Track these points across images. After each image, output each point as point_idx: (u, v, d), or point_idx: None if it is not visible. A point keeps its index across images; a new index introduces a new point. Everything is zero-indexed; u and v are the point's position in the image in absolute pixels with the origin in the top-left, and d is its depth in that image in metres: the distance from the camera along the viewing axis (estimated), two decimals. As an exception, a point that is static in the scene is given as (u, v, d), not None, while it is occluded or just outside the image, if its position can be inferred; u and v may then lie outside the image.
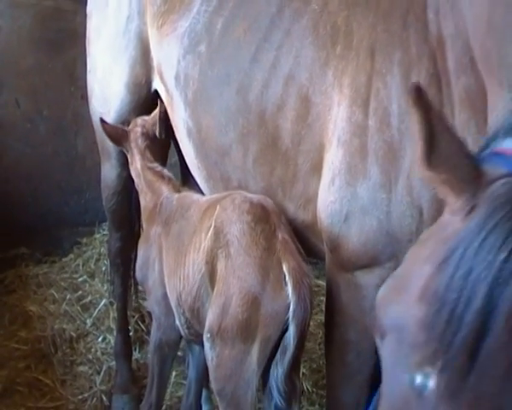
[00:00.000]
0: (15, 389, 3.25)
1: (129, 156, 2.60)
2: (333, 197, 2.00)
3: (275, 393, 1.91)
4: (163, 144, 2.67)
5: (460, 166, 1.05)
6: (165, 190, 2.44)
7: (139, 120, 2.62)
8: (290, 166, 2.15)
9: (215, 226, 2.02)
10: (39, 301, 3.92)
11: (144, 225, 2.54)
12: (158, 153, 2.59)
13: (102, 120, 2.63)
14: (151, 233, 2.39)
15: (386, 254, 1.91)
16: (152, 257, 2.36)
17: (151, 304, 2.41)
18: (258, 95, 2.22)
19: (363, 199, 1.93)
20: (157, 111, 2.65)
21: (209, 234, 2.04)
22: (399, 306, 1.08)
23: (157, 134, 2.58)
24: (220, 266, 1.96)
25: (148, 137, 2.56)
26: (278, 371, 1.90)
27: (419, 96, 1.04)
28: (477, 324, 0.94)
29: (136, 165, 2.54)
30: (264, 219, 1.98)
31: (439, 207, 1.82)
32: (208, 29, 2.44)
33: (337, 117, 2.00)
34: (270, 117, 2.19)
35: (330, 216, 2.01)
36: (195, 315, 2.13)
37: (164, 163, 2.66)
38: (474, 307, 0.94)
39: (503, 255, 0.94)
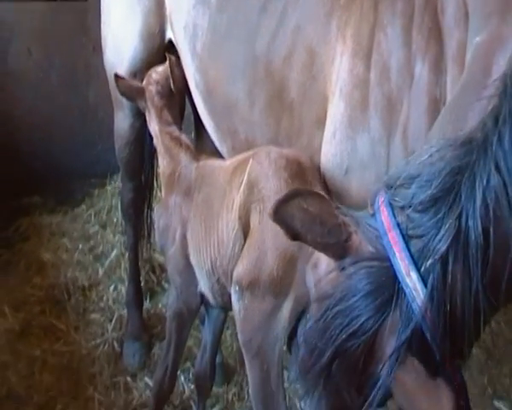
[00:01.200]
0: (31, 332, 3.36)
1: (146, 115, 2.54)
2: (334, 150, 2.02)
3: (301, 345, 1.91)
4: (179, 98, 2.61)
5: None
6: (183, 158, 2.38)
7: (153, 75, 2.54)
8: (295, 117, 2.16)
9: (248, 181, 2.00)
10: (53, 250, 3.99)
11: (163, 191, 2.50)
12: (175, 109, 2.53)
13: (117, 76, 2.57)
14: (170, 202, 2.35)
15: None
16: (173, 227, 2.32)
17: (171, 273, 2.39)
18: (266, 45, 2.22)
19: (362, 153, 1.95)
20: (167, 64, 2.57)
21: (241, 188, 2.02)
22: None
23: (172, 88, 2.51)
24: (254, 221, 1.95)
25: (164, 94, 2.49)
26: (306, 324, 1.87)
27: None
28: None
29: (154, 126, 2.49)
30: (300, 176, 1.96)
31: None
32: None
33: (340, 68, 2.00)
34: (277, 67, 2.19)
35: (332, 169, 2.04)
36: (230, 277, 2.09)
37: (182, 116, 2.60)
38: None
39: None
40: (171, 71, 2.52)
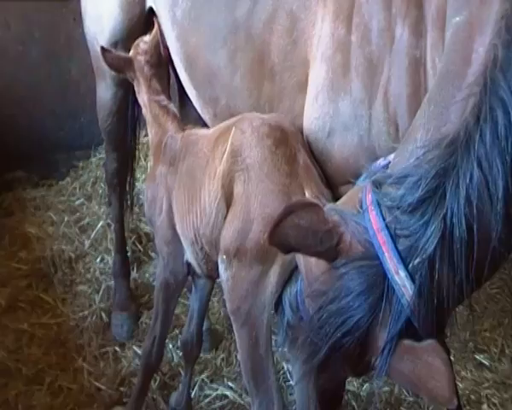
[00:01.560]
0: (18, 306, 3.36)
1: (135, 85, 2.52)
2: (316, 114, 2.03)
3: (287, 310, 1.95)
4: (166, 67, 2.61)
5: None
6: (170, 127, 2.38)
7: (141, 45, 2.51)
8: (277, 82, 2.17)
9: (232, 150, 1.99)
10: (38, 224, 3.98)
11: (151, 161, 2.50)
12: (163, 78, 2.52)
13: (103, 48, 2.53)
14: (157, 173, 2.36)
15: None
16: (159, 197, 2.33)
17: (159, 243, 2.39)
18: (246, 10, 2.22)
19: (344, 115, 1.97)
20: (155, 31, 2.56)
21: (224, 157, 2.02)
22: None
23: (162, 53, 2.49)
24: (237, 190, 1.95)
25: (153, 64, 2.47)
26: (292, 289, 1.93)
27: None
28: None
29: (143, 96, 2.47)
30: (284, 142, 1.95)
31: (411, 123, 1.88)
32: None
33: (321, 32, 2.01)
34: (257, 33, 2.19)
35: (314, 132, 2.05)
36: (214, 245, 2.11)
37: (168, 84, 2.59)
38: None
39: None
40: (161, 36, 2.49)
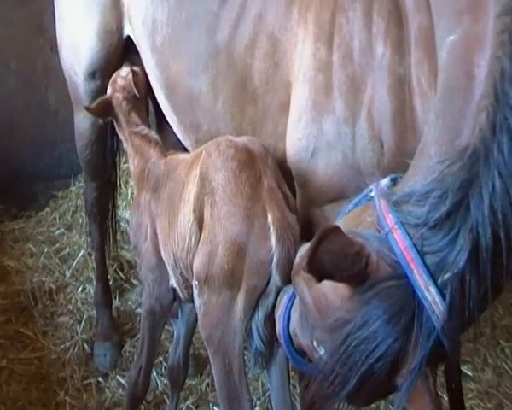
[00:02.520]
0: (-3, 343, 3.29)
1: (114, 122, 2.54)
2: (300, 134, 2.05)
3: (255, 336, 1.96)
4: (145, 99, 2.62)
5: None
6: (152, 154, 2.39)
7: (118, 81, 2.52)
8: (259, 105, 2.19)
9: (200, 172, 2.01)
10: (17, 256, 3.92)
11: (135, 190, 2.51)
12: (142, 110, 2.54)
13: (86, 108, 2.56)
14: (141, 200, 2.37)
15: (352, 187, 1.99)
16: (144, 224, 2.34)
17: (144, 271, 2.39)
18: (227, 35, 2.24)
19: (328, 134, 1.99)
20: (129, 72, 2.55)
21: (195, 181, 2.03)
22: (308, 292, 1.64)
23: (137, 95, 2.50)
24: (206, 214, 1.96)
25: (130, 98, 2.49)
26: (259, 315, 1.94)
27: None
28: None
29: (123, 131, 2.49)
30: (249, 164, 1.95)
31: (397, 141, 1.91)
32: None
33: (302, 54, 2.04)
34: (239, 56, 2.21)
35: (298, 153, 2.07)
36: (190, 270, 2.12)
37: (147, 112, 2.61)
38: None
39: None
40: (135, 83, 2.49)
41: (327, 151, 2.01)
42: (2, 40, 4.15)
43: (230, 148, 1.99)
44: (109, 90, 2.53)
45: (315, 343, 1.66)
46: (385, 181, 1.68)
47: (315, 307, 1.63)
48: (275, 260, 1.88)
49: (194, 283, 2.00)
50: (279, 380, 2.13)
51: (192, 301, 2.30)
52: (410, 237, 1.44)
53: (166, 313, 2.41)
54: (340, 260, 1.42)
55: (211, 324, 1.97)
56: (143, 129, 2.47)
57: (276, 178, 1.99)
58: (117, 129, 2.56)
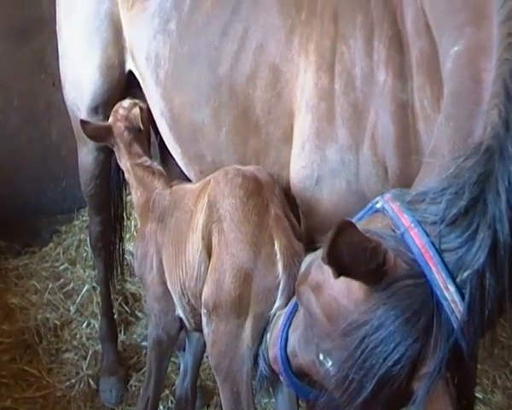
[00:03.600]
0: (1, 382, 3.24)
1: (115, 151, 2.55)
2: (303, 162, 2.06)
3: (261, 362, 1.95)
4: (147, 129, 2.64)
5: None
6: (157, 185, 2.41)
7: (120, 111, 2.54)
8: (262, 135, 2.20)
9: (208, 201, 2.03)
10: (21, 293, 3.89)
11: (139, 222, 2.52)
12: (144, 141, 2.55)
13: (82, 121, 2.56)
14: (146, 231, 2.37)
15: (356, 213, 1.98)
16: (149, 254, 2.35)
17: (150, 301, 2.40)
18: (228, 67, 2.26)
19: (332, 162, 1.99)
20: (137, 107, 2.57)
21: (203, 209, 2.05)
22: (315, 302, 1.58)
23: (141, 127, 2.52)
24: (214, 241, 1.98)
25: (132, 129, 2.50)
26: (266, 341, 1.93)
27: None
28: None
29: (125, 162, 2.50)
30: (256, 193, 1.97)
31: (401, 166, 1.91)
32: (177, 6, 2.46)
33: (304, 83, 2.05)
34: (241, 88, 2.22)
35: (302, 181, 2.07)
36: (199, 298, 2.11)
37: (149, 144, 2.62)
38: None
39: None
40: (140, 116, 2.51)
41: (331, 179, 2.01)
42: (4, 77, 4.19)
43: (238, 176, 2.01)
44: (111, 119, 2.55)
45: (321, 356, 1.60)
46: (390, 192, 1.65)
47: (324, 315, 1.57)
48: (281, 286, 1.89)
49: (203, 311, 2.00)
50: (287, 407, 2.10)
51: (198, 329, 2.31)
52: (428, 235, 1.41)
53: (173, 342, 2.40)
54: (358, 254, 1.37)
55: (219, 352, 1.97)
56: (146, 160, 2.48)
57: (282, 207, 2.00)
58: (118, 159, 2.56)
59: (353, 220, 1.55)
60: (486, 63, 1.53)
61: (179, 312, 2.29)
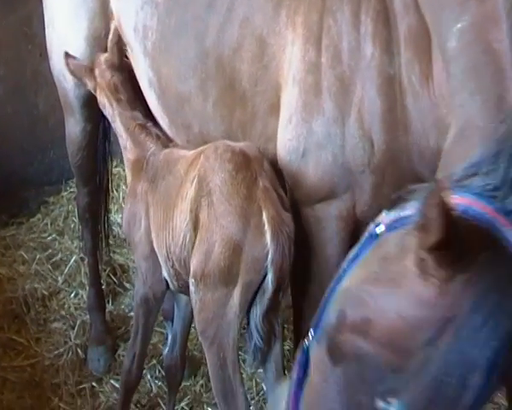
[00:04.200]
0: (-11, 351, 3.27)
1: (98, 95, 2.54)
2: (290, 135, 2.08)
3: (254, 333, 2.01)
4: (133, 76, 2.64)
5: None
6: (151, 145, 2.43)
7: (102, 57, 2.58)
8: (248, 107, 2.21)
9: (198, 175, 2.07)
10: (8, 263, 3.90)
11: (129, 177, 2.53)
12: (128, 85, 2.55)
13: (67, 54, 2.58)
14: (137, 189, 2.41)
15: (342, 186, 2.02)
16: (139, 213, 2.38)
17: (137, 259, 2.44)
18: (215, 39, 2.26)
19: (318, 135, 2.01)
20: (111, 36, 2.61)
21: (193, 183, 2.09)
22: (365, 341, 1.29)
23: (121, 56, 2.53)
24: (203, 214, 2.02)
25: (116, 72, 2.52)
26: (257, 312, 1.99)
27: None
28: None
29: (109, 107, 2.50)
30: (245, 167, 2.02)
31: (387, 140, 1.93)
32: None
33: (292, 56, 2.06)
34: (227, 60, 2.23)
35: (289, 153, 2.09)
36: (183, 265, 2.18)
37: (137, 96, 2.61)
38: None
39: None
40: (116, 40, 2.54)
41: (317, 151, 2.03)
42: (-10, 48, 4.14)
43: (227, 152, 2.06)
44: (94, 63, 2.58)
45: (380, 403, 1.28)
46: (383, 215, 1.48)
47: (383, 348, 1.27)
48: (270, 255, 1.93)
49: (191, 280, 2.04)
50: (275, 375, 2.15)
51: (182, 292, 2.38)
52: (493, 203, 1.29)
53: (160, 301, 2.46)
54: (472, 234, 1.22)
55: (206, 318, 2.02)
56: (139, 117, 2.50)
57: (270, 180, 2.05)
58: (102, 108, 2.55)
59: (356, 254, 1.44)
60: (497, 33, 1.52)
61: (164, 273, 2.34)
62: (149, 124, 2.51)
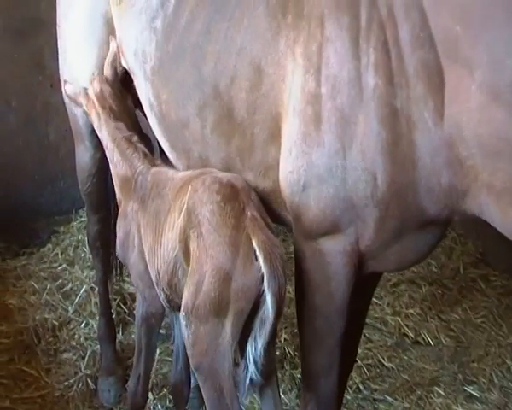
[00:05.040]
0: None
1: (93, 121, 2.56)
2: (291, 167, 2.02)
3: (251, 367, 1.97)
4: (128, 96, 2.66)
5: None
6: (138, 164, 2.42)
7: (97, 78, 2.62)
8: (247, 135, 2.18)
9: (187, 207, 2.07)
10: (19, 294, 3.89)
11: (118, 193, 2.53)
12: (126, 112, 2.57)
13: (65, 82, 2.63)
14: (128, 210, 2.41)
15: (345, 219, 1.95)
16: (131, 233, 2.39)
17: (134, 279, 2.44)
18: (212, 67, 2.24)
19: (318, 167, 1.95)
20: (108, 55, 2.64)
21: (182, 214, 2.09)
22: None
23: (111, 73, 2.56)
24: (193, 246, 2.01)
25: (111, 94, 2.54)
26: (257, 344, 1.94)
27: None
28: None
29: (100, 127, 2.51)
30: (233, 197, 2.02)
31: (392, 173, 1.86)
32: (163, 4, 2.46)
33: (291, 86, 2.01)
34: (225, 88, 2.21)
35: (290, 186, 2.04)
36: (174, 290, 2.19)
37: (126, 110, 2.62)
38: None
39: None
40: (113, 59, 2.58)
41: (318, 184, 1.96)
42: (2, 78, 4.20)
43: (215, 183, 2.07)
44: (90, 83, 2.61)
45: None
46: None
47: None
48: (265, 278, 1.89)
49: (182, 314, 2.03)
50: (272, 401, 2.12)
51: (177, 311, 2.32)
52: None
53: (160, 318, 2.45)
54: None
55: (201, 351, 1.99)
56: (132, 135, 2.49)
57: (258, 209, 2.04)
58: (97, 130, 2.55)
59: None
60: None
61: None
62: (135, 139, 2.49)
